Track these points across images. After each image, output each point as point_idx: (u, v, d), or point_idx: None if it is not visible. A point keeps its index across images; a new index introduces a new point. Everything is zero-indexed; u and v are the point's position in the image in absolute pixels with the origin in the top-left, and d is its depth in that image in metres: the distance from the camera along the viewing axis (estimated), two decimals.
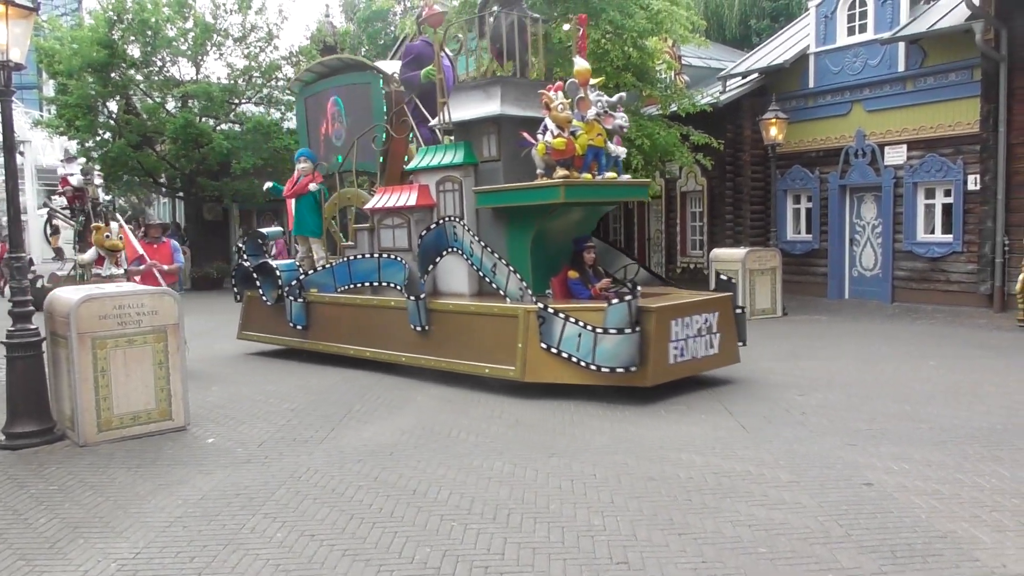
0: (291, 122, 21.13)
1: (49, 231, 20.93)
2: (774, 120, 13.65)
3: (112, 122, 20.61)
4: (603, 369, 6.79)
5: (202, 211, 22.46)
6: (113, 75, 19.74)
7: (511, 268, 7.52)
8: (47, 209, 20.78)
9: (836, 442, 5.60)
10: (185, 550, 4.05)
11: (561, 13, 12.35)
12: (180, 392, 6.42)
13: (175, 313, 6.38)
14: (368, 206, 9.07)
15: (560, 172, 7.28)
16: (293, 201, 10.47)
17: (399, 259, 8.46)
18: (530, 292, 7.38)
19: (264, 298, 10.05)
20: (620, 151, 7.72)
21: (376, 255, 8.79)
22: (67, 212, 18.06)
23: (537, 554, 3.88)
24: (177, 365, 6.40)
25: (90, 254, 9.03)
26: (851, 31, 14.20)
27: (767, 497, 4.55)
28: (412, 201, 8.47)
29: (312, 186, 10.01)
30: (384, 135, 9.71)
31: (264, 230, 11.54)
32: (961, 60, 12.48)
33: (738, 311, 7.96)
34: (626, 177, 7.97)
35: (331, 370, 8.91)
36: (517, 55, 8.26)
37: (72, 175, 16.84)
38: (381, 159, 9.83)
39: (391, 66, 10.42)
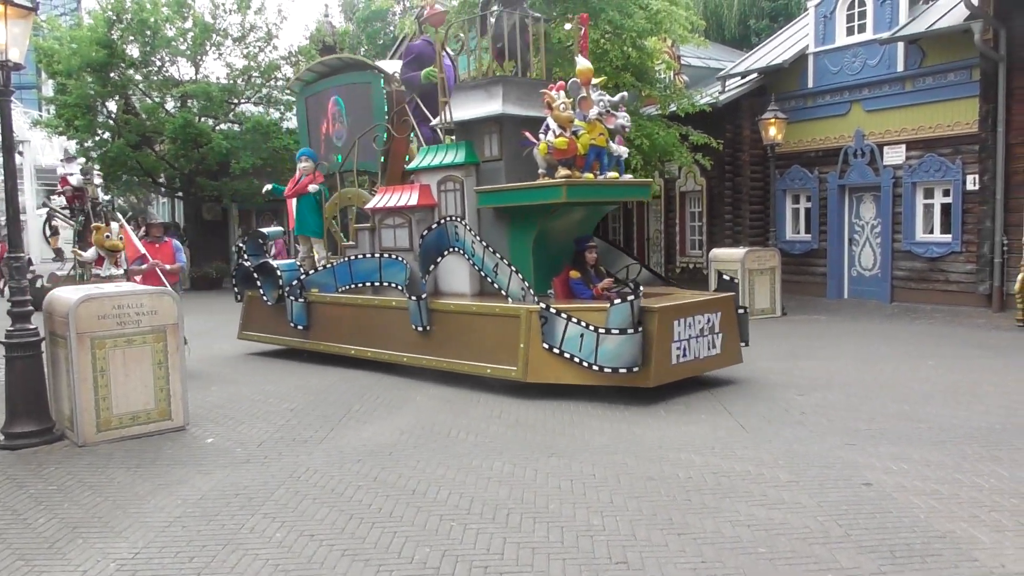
0: (290, 122, 21.12)
1: (48, 232, 20.94)
2: (773, 120, 13.65)
3: (111, 122, 20.60)
4: (605, 369, 6.78)
5: (201, 211, 22.45)
6: (112, 75, 19.73)
7: (513, 268, 7.51)
8: (46, 209, 20.78)
9: (835, 442, 5.60)
10: (184, 550, 4.04)
11: (560, 13, 12.35)
12: (179, 392, 6.42)
13: (174, 313, 6.38)
14: (369, 206, 9.06)
15: (562, 172, 7.27)
16: (294, 201, 10.47)
17: (400, 259, 8.45)
18: (532, 292, 7.38)
19: (265, 298, 10.03)
20: (622, 151, 7.70)
21: (377, 255, 8.77)
22: (66, 212, 18.06)
23: (536, 554, 3.88)
24: (176, 365, 6.39)
25: (90, 253, 9.03)
26: (850, 31, 14.20)
27: (766, 497, 4.55)
28: (413, 201, 8.45)
29: (311, 188, 10.01)
30: (385, 135, 9.69)
31: (265, 230, 11.52)
32: (960, 60, 12.49)
33: (740, 311, 7.94)
34: (628, 177, 7.96)
35: (330, 370, 8.91)
36: (519, 55, 8.25)
37: (72, 175, 16.85)
38: (382, 159, 9.83)
39: (392, 66, 10.40)
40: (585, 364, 6.88)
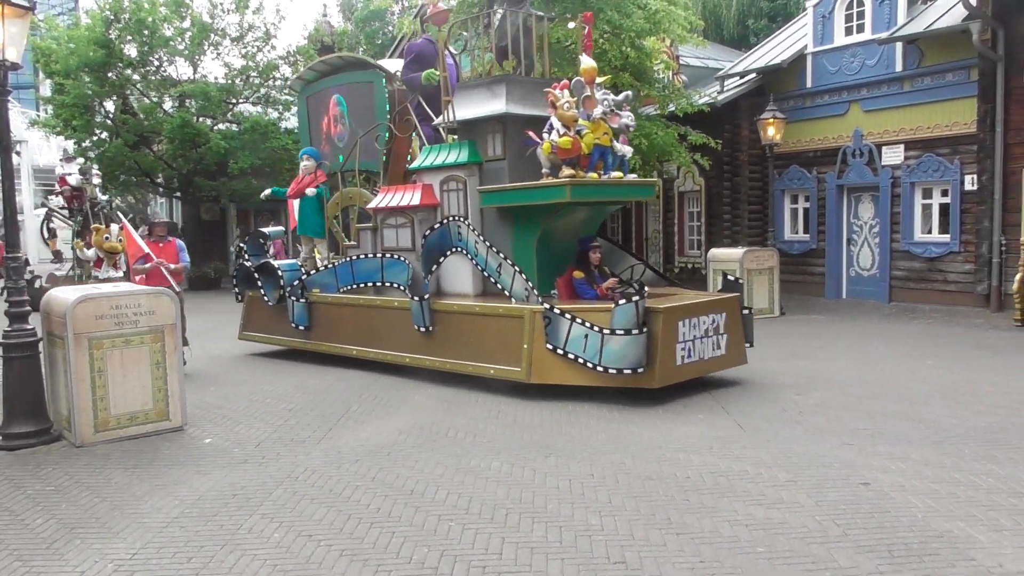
0: (289, 122, 21.10)
1: (46, 234, 20.90)
2: (772, 120, 13.65)
3: (109, 122, 20.57)
4: (610, 370, 6.74)
5: (199, 211, 22.43)
6: (110, 75, 19.70)
7: (516, 268, 7.48)
8: (45, 209, 20.75)
9: (834, 442, 5.60)
10: (182, 550, 4.04)
11: (559, 13, 12.35)
12: (177, 392, 6.41)
13: (172, 313, 6.37)
14: (371, 205, 9.03)
15: (566, 171, 7.22)
16: (296, 201, 10.46)
17: (402, 259, 8.42)
18: (535, 292, 7.35)
19: (266, 298, 9.99)
20: (626, 150, 7.64)
21: (379, 255, 8.74)
22: (65, 212, 18.04)
23: (535, 554, 3.88)
24: (174, 365, 6.39)
25: (91, 254, 9.03)
26: (849, 31, 14.21)
27: (765, 496, 4.55)
28: (416, 200, 8.41)
29: (309, 191, 10.00)
30: (387, 134, 9.66)
31: (266, 229, 11.49)
32: (958, 60, 12.50)
33: (745, 312, 7.90)
34: (632, 176, 7.91)
35: (329, 370, 8.90)
36: (522, 54, 8.23)
37: (70, 175, 16.82)
38: (383, 158, 9.80)
39: (394, 65, 10.38)
40: (589, 365, 6.85)
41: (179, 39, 20.16)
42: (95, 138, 20.46)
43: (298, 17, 54.53)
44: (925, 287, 13.25)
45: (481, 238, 7.81)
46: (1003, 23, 11.75)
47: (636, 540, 4.00)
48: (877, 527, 4.07)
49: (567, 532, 4.12)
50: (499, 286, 7.69)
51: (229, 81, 20.69)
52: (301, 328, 9.56)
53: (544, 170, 7.45)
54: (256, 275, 10.07)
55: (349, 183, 10.35)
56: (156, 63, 20.48)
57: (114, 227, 9.91)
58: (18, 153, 23.91)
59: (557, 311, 6.99)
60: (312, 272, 9.60)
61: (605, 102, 7.33)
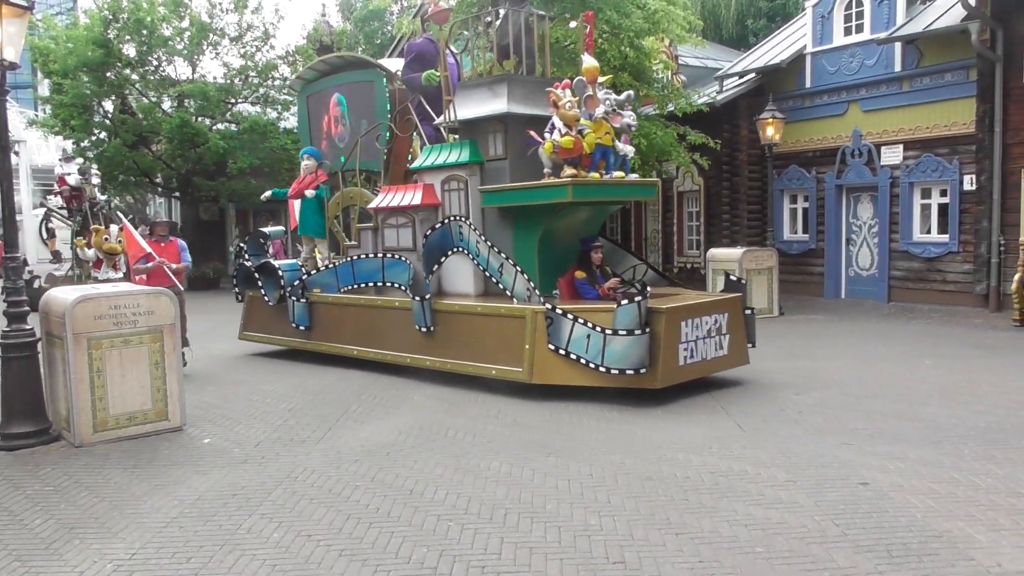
0: (288, 122, 21.09)
1: (45, 235, 20.86)
2: (771, 120, 13.66)
3: (108, 122, 20.56)
4: (612, 371, 6.72)
5: (198, 211, 22.42)
6: (108, 74, 19.69)
7: (518, 268, 7.45)
8: (44, 209, 20.71)
9: (833, 441, 5.61)
10: (181, 551, 4.04)
11: (558, 12, 12.34)
12: (176, 392, 6.41)
13: (171, 313, 6.37)
14: (372, 205, 9.01)
15: (568, 171, 7.20)
16: (297, 201, 10.44)
17: (403, 259, 8.40)
18: (537, 292, 7.32)
19: (266, 298, 9.97)
20: (628, 150, 7.61)
21: (380, 255, 8.72)
22: (64, 212, 18.01)
23: (534, 554, 3.88)
24: (173, 365, 6.38)
25: (90, 254, 9.02)
26: (847, 31, 14.22)
27: (764, 496, 4.56)
28: (417, 200, 8.39)
29: (308, 192, 9.99)
30: (388, 133, 9.64)
31: (266, 229, 11.47)
32: (957, 60, 12.51)
33: (748, 312, 7.88)
34: (634, 176, 7.88)
35: (328, 370, 8.90)
36: (523, 53, 8.22)
37: (69, 175, 16.79)
38: (384, 158, 9.78)
39: (394, 64, 10.35)
40: (592, 365, 6.83)
41: (178, 39, 20.15)
42: (93, 138, 20.45)
43: (297, 17, 54.60)
44: (924, 287, 13.26)
45: (483, 238, 7.79)
46: (1002, 23, 11.76)
47: (635, 540, 4.00)
48: (876, 527, 4.07)
49: (566, 532, 4.12)
50: (501, 286, 7.67)
51: (228, 81, 20.68)
52: (302, 328, 9.54)
53: (546, 170, 7.43)
54: (256, 275, 10.05)
55: (350, 183, 10.33)
56: (155, 63, 20.48)
57: (113, 228, 9.90)
58: (16, 153, 23.85)
59: (559, 311, 6.97)
60: (313, 272, 9.58)
61: (607, 101, 7.30)
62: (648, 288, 6.90)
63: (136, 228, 10.13)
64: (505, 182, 7.85)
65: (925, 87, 13.08)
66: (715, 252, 13.22)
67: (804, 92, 14.89)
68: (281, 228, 12.76)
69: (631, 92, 7.83)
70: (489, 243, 7.74)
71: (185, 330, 8.91)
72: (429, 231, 8.13)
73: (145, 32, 19.44)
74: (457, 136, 8.53)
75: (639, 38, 12.73)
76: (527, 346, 7.13)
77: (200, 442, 6.10)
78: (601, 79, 7.50)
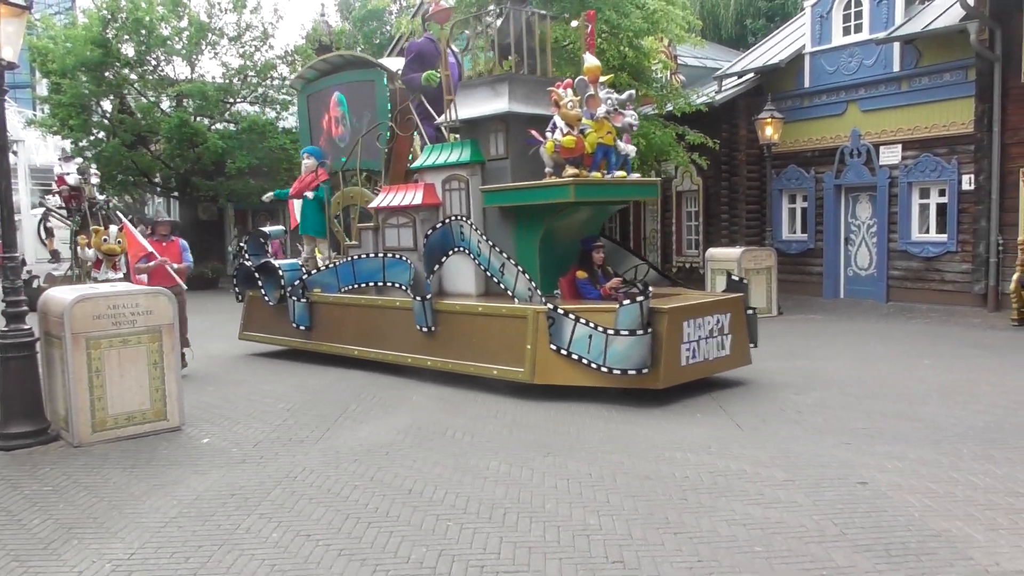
0: (287, 121, 21.09)
1: (44, 234, 20.84)
2: (770, 120, 13.66)
3: (106, 121, 20.54)
4: (614, 371, 6.70)
5: (197, 211, 22.40)
6: (107, 74, 19.68)
7: (520, 268, 7.43)
8: (43, 209, 20.68)
9: (831, 441, 5.61)
10: (180, 550, 4.04)
11: (556, 12, 12.34)
12: (175, 392, 6.40)
13: (170, 313, 6.36)
14: (373, 205, 8.99)
15: (570, 171, 7.18)
16: (297, 200, 10.43)
17: (404, 259, 8.38)
18: (539, 292, 7.30)
19: (267, 298, 9.95)
20: (630, 149, 7.59)
21: (381, 255, 8.70)
22: (63, 212, 17.98)
23: (533, 553, 3.88)
24: (172, 365, 6.38)
25: (90, 254, 9.00)
26: (846, 31, 14.23)
27: (762, 496, 4.56)
28: (418, 200, 8.36)
29: (308, 195, 9.97)
30: (388, 133, 9.62)
31: (266, 229, 11.45)
32: (956, 60, 12.52)
33: (750, 312, 7.86)
34: (636, 176, 7.86)
35: (327, 370, 8.89)
36: (525, 52, 8.21)
37: (68, 174, 16.76)
38: (385, 157, 9.76)
39: (395, 63, 10.33)
40: (594, 366, 6.81)
41: (176, 38, 20.14)
42: (92, 138, 20.44)
43: (296, 17, 54.53)
44: (922, 287, 13.28)
45: (484, 238, 7.76)
46: (1000, 23, 11.77)
47: (634, 539, 4.00)
48: (874, 526, 4.07)
49: (565, 531, 4.13)
50: (502, 286, 7.64)
51: (227, 81, 20.67)
52: (302, 328, 9.52)
53: (547, 169, 7.40)
54: (257, 275, 10.03)
55: (350, 182, 10.31)
56: (153, 62, 20.47)
57: (113, 228, 9.89)
58: (15, 152, 23.84)
59: (561, 311, 6.95)
60: (313, 272, 9.56)
61: (609, 101, 7.28)
62: (650, 288, 6.87)
63: (135, 228, 10.11)
64: (506, 182, 7.84)
65: (924, 87, 13.09)
66: (714, 252, 13.22)
67: (803, 92, 14.89)
68: (281, 228, 12.74)
69: (632, 91, 7.80)
70: (490, 243, 7.71)
71: (186, 331, 8.89)
72: (430, 231, 8.11)
73: (144, 32, 19.42)
74: (458, 135, 8.51)
75: (638, 38, 12.73)
76: (529, 346, 7.11)
77: (199, 442, 6.10)
78: (602, 78, 7.48)
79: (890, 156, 13.61)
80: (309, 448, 5.81)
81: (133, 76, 20.32)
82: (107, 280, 8.42)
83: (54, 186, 18.47)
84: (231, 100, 20.95)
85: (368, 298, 8.86)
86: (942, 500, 4.41)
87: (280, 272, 9.70)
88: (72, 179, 16.46)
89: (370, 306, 8.80)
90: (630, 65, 12.92)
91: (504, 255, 7.60)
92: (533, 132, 7.43)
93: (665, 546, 3.92)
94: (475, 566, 3.76)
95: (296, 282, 9.51)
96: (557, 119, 7.22)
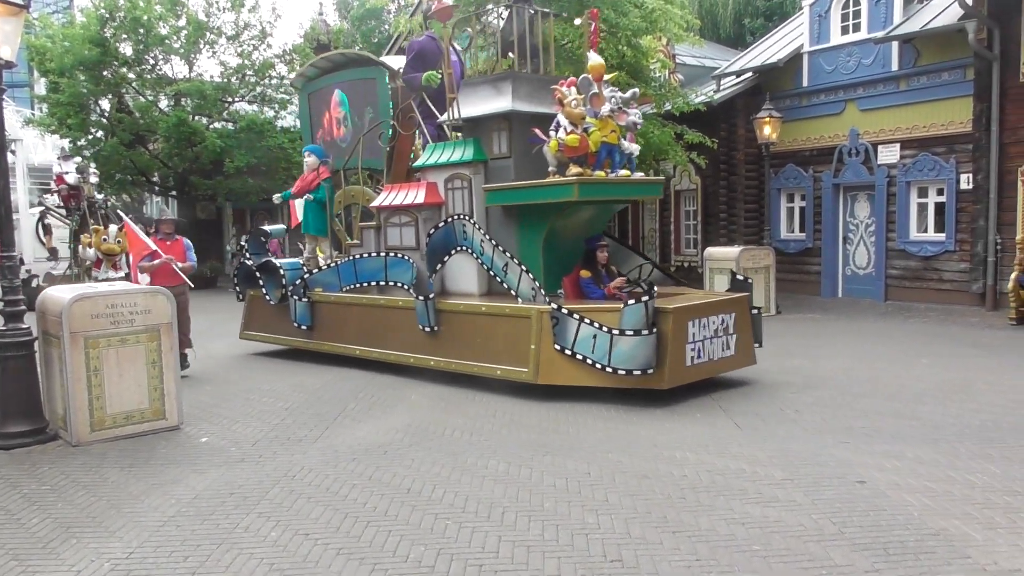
0: (285, 120, 21.08)
1: (42, 231, 20.82)
2: (768, 119, 13.67)
3: (104, 120, 20.52)
4: (619, 371, 6.67)
5: (195, 210, 22.39)
6: (105, 73, 19.66)
7: (523, 267, 7.39)
8: (41, 208, 20.67)
9: (829, 440, 5.62)
10: (179, 549, 4.03)
11: (556, 11, 12.33)
12: (173, 391, 6.40)
13: (168, 312, 6.36)
14: (375, 204, 8.97)
15: (573, 169, 7.15)
16: (298, 199, 10.41)
17: (406, 258, 8.36)
18: (542, 292, 7.27)
19: (268, 297, 9.92)
20: (634, 148, 7.56)
21: (383, 254, 8.67)
22: (62, 211, 17.97)
23: (531, 552, 3.88)
24: (170, 364, 6.38)
25: (91, 254, 8.97)
26: (845, 30, 14.24)
27: (761, 495, 4.56)
28: (420, 199, 8.33)
29: (307, 196, 9.95)
30: (390, 131, 9.59)
31: (267, 228, 11.43)
32: (954, 59, 12.53)
33: (754, 312, 7.84)
34: (640, 175, 7.83)
35: (326, 369, 8.89)
36: (528, 51, 8.18)
37: (68, 173, 16.75)
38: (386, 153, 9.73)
39: (397, 62, 10.29)
40: (598, 366, 6.77)
41: (174, 37, 20.13)
42: (90, 137, 20.43)
43: (294, 15, 54.41)
44: (921, 286, 13.29)
45: (487, 237, 7.74)
46: (999, 22, 11.78)
47: (633, 538, 4.01)
48: (873, 525, 4.08)
49: (564, 530, 4.13)
50: (505, 285, 7.62)
51: (225, 80, 20.66)
52: (303, 328, 9.49)
53: (551, 168, 7.37)
54: (258, 274, 10.00)
55: (351, 181, 10.29)
56: (151, 61, 20.45)
57: (112, 228, 9.87)
58: (13, 152, 23.83)
59: (565, 311, 6.92)
60: (315, 271, 9.53)
61: (613, 99, 7.25)
62: (655, 288, 6.86)
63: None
64: (509, 180, 7.81)
65: (922, 86, 13.09)
66: (712, 251, 13.23)
67: (801, 91, 14.90)
68: (282, 227, 12.72)
69: (636, 90, 7.76)
70: (493, 242, 7.68)
71: (188, 331, 8.87)
72: (432, 230, 8.09)
73: (142, 31, 19.41)
74: (460, 134, 8.49)
75: (637, 37, 12.72)
76: (532, 346, 7.08)
77: (197, 441, 6.10)
78: (606, 76, 7.44)
79: (888, 155, 13.62)
80: (308, 447, 5.81)
81: (131, 75, 20.30)
82: (107, 279, 8.39)
83: (53, 185, 18.44)
84: (229, 99, 20.94)
85: (370, 297, 8.83)
86: (940, 499, 4.42)
87: (281, 271, 9.67)
88: (71, 178, 16.44)
89: (372, 306, 8.77)
90: (629, 64, 12.91)
91: (507, 254, 7.56)
92: (536, 131, 7.39)
93: (664, 545, 3.92)
94: (474, 565, 3.76)
95: (297, 281, 9.49)
96: (561, 117, 7.18)
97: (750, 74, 15.59)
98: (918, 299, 13.24)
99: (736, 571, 3.63)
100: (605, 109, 7.21)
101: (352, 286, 8.99)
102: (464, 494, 4.71)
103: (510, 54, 8.28)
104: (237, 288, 10.65)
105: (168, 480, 5.13)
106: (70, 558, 3.98)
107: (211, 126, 20.47)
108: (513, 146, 7.84)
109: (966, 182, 12.50)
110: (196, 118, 20.22)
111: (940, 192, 13.08)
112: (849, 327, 11.27)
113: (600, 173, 7.27)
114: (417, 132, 9.55)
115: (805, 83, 14.80)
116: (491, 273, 7.84)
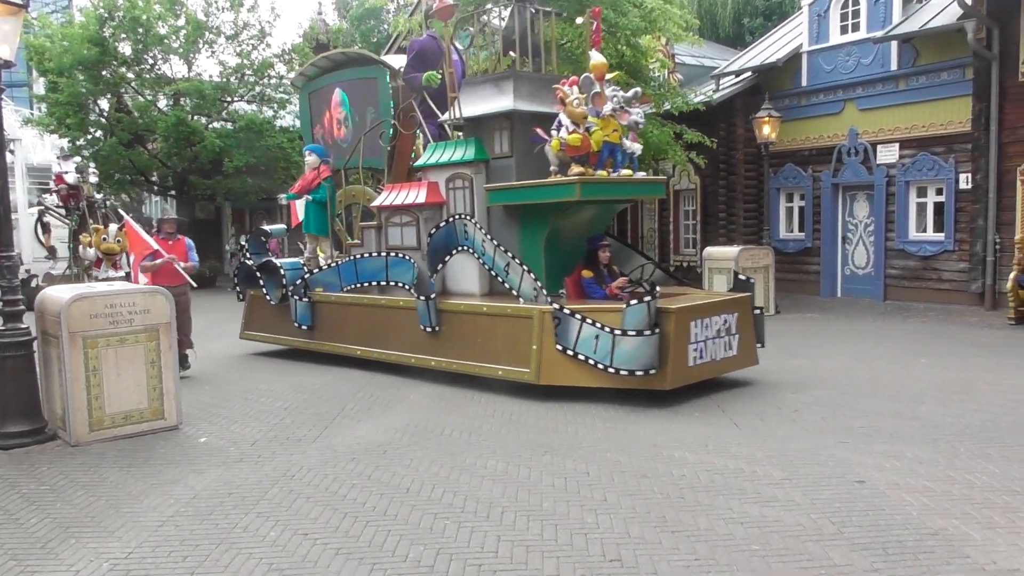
0: (284, 120, 21.06)
1: (40, 231, 20.82)
2: (767, 119, 13.67)
3: (103, 120, 20.51)
4: (621, 372, 6.65)
5: (194, 210, 22.37)
6: (104, 73, 19.64)
7: (525, 267, 7.37)
8: (40, 208, 20.66)
9: (828, 440, 5.62)
10: (178, 549, 4.03)
11: (556, 11, 12.32)
12: (172, 391, 6.40)
13: (167, 312, 6.36)
14: (375, 203, 8.95)
15: (575, 169, 7.13)
16: (299, 199, 10.40)
17: (407, 258, 8.34)
18: (544, 292, 7.25)
19: (268, 297, 9.90)
20: (636, 147, 7.54)
21: (384, 254, 8.65)
22: (61, 211, 17.97)
23: (530, 552, 3.88)
24: (169, 364, 6.37)
25: (91, 254, 8.95)
26: (844, 30, 14.24)
27: (760, 495, 4.56)
28: (421, 198, 8.32)
29: (307, 196, 9.95)
30: (391, 131, 9.56)
31: (267, 227, 11.41)
32: (953, 59, 12.53)
33: (756, 312, 7.82)
34: (642, 174, 7.81)
35: (326, 369, 8.88)
36: (530, 50, 8.16)
37: (67, 173, 16.75)
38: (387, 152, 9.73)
39: (397, 61, 10.28)
40: (600, 366, 6.76)
41: (173, 37, 20.11)
42: (89, 136, 20.41)
43: (293, 15, 54.38)
44: (920, 286, 13.29)
45: (488, 236, 7.72)
46: (998, 22, 11.78)
47: (632, 538, 4.01)
48: (872, 525, 4.08)
49: (563, 530, 4.13)
50: (507, 285, 7.59)
51: (224, 79, 20.64)
52: (304, 328, 9.48)
53: (552, 168, 7.35)
54: (258, 274, 9.99)
55: (352, 181, 10.28)
56: (150, 61, 20.43)
57: (112, 227, 9.86)
58: (12, 151, 23.83)
59: (567, 311, 6.90)
60: (315, 271, 9.51)
61: (615, 99, 7.23)
62: (657, 288, 6.85)
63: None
64: (511, 180, 7.79)
65: (921, 86, 13.10)
66: (711, 251, 13.23)
67: (800, 91, 14.90)
68: (282, 226, 12.71)
69: (638, 89, 7.73)
70: (495, 242, 7.66)
71: (190, 331, 8.85)
72: (433, 229, 8.08)
73: (141, 30, 19.38)
74: (462, 133, 8.49)
75: (636, 36, 12.71)
76: (534, 346, 7.06)
77: (196, 441, 6.09)
78: (608, 76, 7.42)
79: (887, 155, 13.62)
80: (307, 447, 5.80)
81: (130, 75, 20.28)
82: (107, 279, 8.38)
83: (52, 185, 18.45)
84: (228, 99, 20.92)
85: (371, 297, 8.81)
86: (939, 499, 4.42)
87: (282, 271, 9.66)
88: (70, 178, 16.45)
89: (373, 306, 8.76)
90: (628, 64, 12.90)
91: (509, 254, 7.54)
92: (538, 130, 7.37)
93: (662, 544, 3.92)
94: (473, 564, 3.76)
95: (298, 281, 9.47)
96: (562, 117, 7.16)
97: (749, 74, 15.59)
98: (917, 299, 13.24)
99: (735, 570, 3.63)
100: (607, 108, 7.19)
101: (353, 286, 8.97)
102: (463, 494, 4.71)
103: (511, 53, 8.25)
104: (237, 288, 10.63)
105: (167, 480, 5.13)
106: (69, 558, 3.97)
107: (210, 126, 20.46)
108: (515, 145, 7.83)
109: (965, 182, 12.51)
110: (195, 118, 20.21)
111: (939, 192, 13.09)
112: (848, 327, 11.27)
113: (602, 173, 7.25)
114: (418, 131, 9.53)
115: (804, 83, 14.80)
116: (492, 273, 7.83)
